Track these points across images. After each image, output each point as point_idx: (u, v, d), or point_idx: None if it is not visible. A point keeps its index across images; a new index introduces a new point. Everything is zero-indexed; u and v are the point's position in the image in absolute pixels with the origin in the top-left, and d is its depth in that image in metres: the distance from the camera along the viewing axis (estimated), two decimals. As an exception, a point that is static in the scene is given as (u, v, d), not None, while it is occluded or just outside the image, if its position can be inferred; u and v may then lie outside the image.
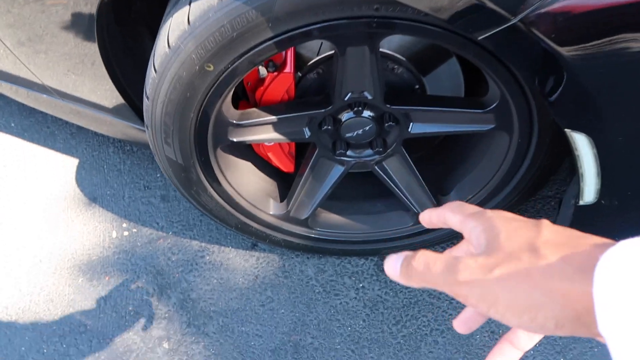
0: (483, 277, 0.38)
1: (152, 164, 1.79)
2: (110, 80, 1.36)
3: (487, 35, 0.78)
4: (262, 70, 1.07)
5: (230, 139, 1.15)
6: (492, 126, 1.11)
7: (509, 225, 0.40)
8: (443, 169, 1.37)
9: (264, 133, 1.16)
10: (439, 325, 1.44)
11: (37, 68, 1.48)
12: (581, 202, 1.00)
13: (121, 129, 1.54)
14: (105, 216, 1.70)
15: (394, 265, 0.44)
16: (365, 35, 0.93)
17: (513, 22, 0.74)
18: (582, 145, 0.87)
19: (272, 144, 1.28)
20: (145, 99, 1.07)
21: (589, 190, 0.96)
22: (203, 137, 1.11)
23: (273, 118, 1.13)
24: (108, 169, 1.79)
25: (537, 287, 0.36)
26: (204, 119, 1.06)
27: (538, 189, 1.26)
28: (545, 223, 0.40)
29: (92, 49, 1.31)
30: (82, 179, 1.79)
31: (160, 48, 0.97)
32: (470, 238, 0.42)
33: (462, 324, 0.49)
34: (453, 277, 0.39)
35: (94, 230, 1.67)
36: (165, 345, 1.47)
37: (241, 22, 0.88)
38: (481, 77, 1.26)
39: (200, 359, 1.45)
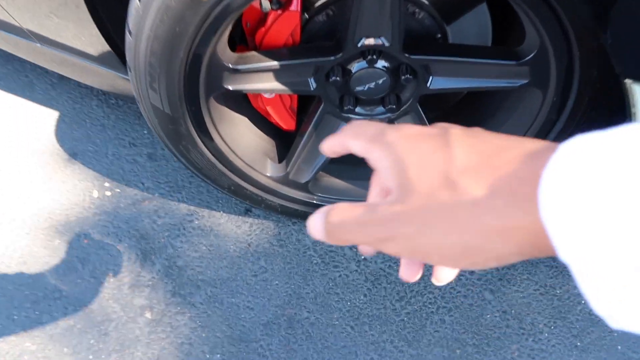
0: (400, 233, 0.33)
1: (139, 119, 1.64)
2: (94, 29, 1.22)
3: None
4: (265, 4, 0.92)
5: (226, 86, 1.00)
6: (526, 81, 0.97)
7: (416, 153, 0.34)
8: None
9: (263, 82, 1.02)
10: (446, 303, 1.34)
11: (15, 9, 1.32)
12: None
13: (107, 79, 1.39)
14: (86, 174, 1.56)
15: (315, 223, 0.37)
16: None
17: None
18: (642, 101, 0.74)
19: (272, 96, 1.14)
20: (127, 35, 0.92)
21: None
22: (194, 83, 0.97)
23: (275, 64, 0.99)
24: (91, 124, 1.64)
25: (467, 230, 0.31)
26: (195, 61, 0.92)
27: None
28: (454, 136, 0.34)
29: None
30: (62, 133, 1.64)
31: (145, -30, 0.82)
32: (379, 173, 0.36)
33: (405, 270, 0.42)
34: (360, 237, 0.35)
35: (73, 189, 1.53)
36: (148, 315, 1.36)
37: (243, -63, 0.73)
38: (511, 31, 1.12)
39: (186, 330, 1.34)
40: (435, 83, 1.04)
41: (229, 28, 0.91)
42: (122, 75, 1.34)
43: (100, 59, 1.33)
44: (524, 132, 1.09)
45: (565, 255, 0.27)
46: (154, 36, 0.87)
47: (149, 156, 1.57)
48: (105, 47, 1.29)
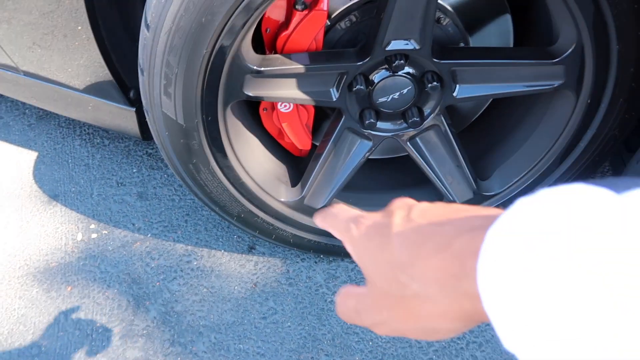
0: (379, 321, 0.39)
1: (127, 158, 1.53)
2: (85, 54, 1.15)
3: None
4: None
5: (246, 92, 0.93)
6: (560, 82, 0.94)
7: (369, 251, 0.39)
8: (482, 147, 1.19)
9: (285, 88, 0.95)
10: (475, 337, 1.22)
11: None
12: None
13: (95, 110, 1.30)
14: (68, 216, 1.41)
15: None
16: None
17: None
18: None
19: (290, 110, 1.07)
20: (143, 30, 0.85)
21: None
22: (214, 88, 0.89)
23: (299, 67, 0.93)
24: (73, 164, 1.52)
25: (418, 317, 0.36)
26: (218, 60, 0.85)
27: (596, 169, 1.09)
28: (395, 229, 0.37)
29: (62, 19, 1.10)
30: (41, 174, 1.50)
31: (172, -46, 0.76)
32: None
33: None
34: (359, 320, 0.41)
35: (54, 233, 1.38)
36: (144, 368, 1.18)
37: None
38: (530, 34, 1.11)
39: (188, 385, 1.16)
40: (462, 91, 1.00)
41: (255, 24, 0.85)
42: (114, 104, 1.25)
43: (88, 89, 1.25)
44: (554, 141, 1.05)
45: (492, 317, 0.29)
46: (175, 28, 0.80)
47: (139, 195, 1.45)
48: (94, 77, 1.21)
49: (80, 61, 1.22)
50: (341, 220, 0.43)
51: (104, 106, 1.28)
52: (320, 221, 0.47)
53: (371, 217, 0.41)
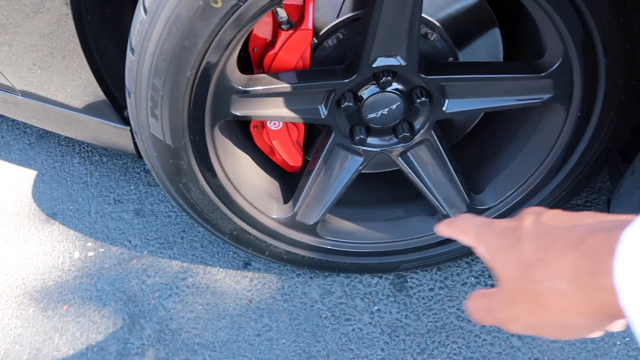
0: (511, 316, 0.41)
1: (125, 175, 1.54)
2: (83, 75, 1.16)
3: None
4: (282, 13, 0.88)
5: (233, 112, 0.93)
6: (549, 96, 0.94)
7: (501, 251, 0.42)
8: (475, 161, 1.18)
9: (273, 107, 0.95)
10: (472, 353, 1.21)
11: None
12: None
13: (92, 129, 1.31)
14: (66, 234, 1.42)
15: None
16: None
17: None
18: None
19: (279, 127, 1.07)
20: (129, 54, 0.85)
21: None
22: (200, 108, 0.89)
23: (286, 86, 0.93)
24: (72, 182, 1.53)
25: (549, 311, 0.38)
26: (203, 81, 0.85)
27: (590, 181, 1.08)
28: (526, 231, 0.40)
29: (61, 41, 1.11)
30: (40, 192, 1.52)
31: (154, -21, 0.76)
32: (487, 265, 0.45)
33: None
34: (492, 319, 0.43)
35: (51, 251, 1.39)
36: (138, 387, 1.18)
37: None
38: (521, 47, 1.11)
39: (182, 404, 1.16)
40: (452, 106, 1.00)
41: (240, 45, 0.86)
42: (110, 123, 1.26)
43: (86, 109, 1.26)
44: (546, 154, 1.04)
45: (630, 313, 0.31)
46: (159, 51, 0.80)
47: (136, 212, 1.46)
48: (92, 96, 1.22)
49: (79, 81, 1.24)
50: (472, 225, 0.47)
51: (101, 125, 1.29)
52: (446, 229, 0.50)
53: (502, 222, 0.44)
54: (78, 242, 1.41)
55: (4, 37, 1.23)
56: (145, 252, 1.38)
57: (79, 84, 1.24)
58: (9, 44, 1.24)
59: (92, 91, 1.22)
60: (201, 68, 0.83)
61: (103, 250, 1.39)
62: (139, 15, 0.80)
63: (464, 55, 1.05)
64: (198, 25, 0.77)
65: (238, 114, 0.93)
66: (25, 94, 1.31)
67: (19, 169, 1.57)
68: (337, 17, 0.98)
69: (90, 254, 1.38)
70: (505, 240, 0.42)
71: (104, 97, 1.19)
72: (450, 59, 1.03)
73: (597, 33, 0.82)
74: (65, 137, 1.63)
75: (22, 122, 1.66)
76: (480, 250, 0.45)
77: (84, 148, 1.61)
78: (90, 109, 1.27)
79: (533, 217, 0.41)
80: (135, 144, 1.27)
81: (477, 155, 1.19)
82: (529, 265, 0.39)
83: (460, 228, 0.48)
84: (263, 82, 0.92)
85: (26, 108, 1.36)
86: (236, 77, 0.90)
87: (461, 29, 1.01)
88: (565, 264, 0.36)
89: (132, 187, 1.51)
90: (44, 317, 1.28)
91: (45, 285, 1.33)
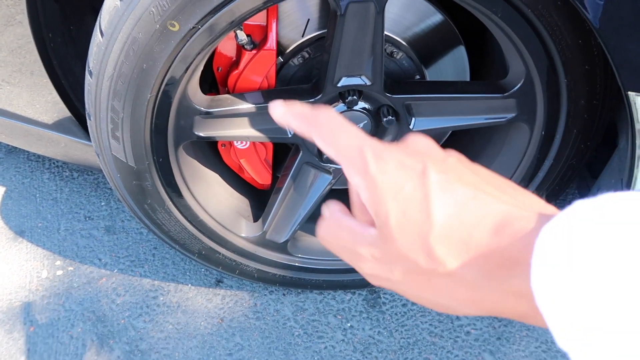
0: (387, 278, 0.34)
1: (95, 191, 1.52)
2: (53, 92, 1.14)
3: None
4: (241, 35, 0.87)
5: (197, 133, 0.92)
6: (513, 115, 0.94)
7: (398, 199, 0.32)
8: (445, 178, 1.18)
9: (238, 128, 0.94)
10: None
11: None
12: (630, 198, 0.83)
13: (61, 146, 1.29)
14: (34, 253, 1.39)
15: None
16: (372, -14, 0.75)
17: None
18: (647, 114, 0.70)
19: (246, 146, 1.06)
20: (87, 77, 0.84)
21: (644, 178, 0.79)
22: (162, 130, 0.88)
23: (250, 107, 0.92)
24: (41, 198, 1.50)
25: (440, 294, 0.32)
26: (164, 103, 0.84)
27: (558, 196, 1.08)
28: (434, 187, 0.31)
29: (30, 56, 1.09)
30: (8, 210, 1.49)
31: (109, 2, 0.75)
32: (359, 197, 0.35)
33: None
34: (360, 270, 0.36)
35: (18, 270, 1.36)
36: (106, 410, 1.16)
37: (218, -40, 0.68)
38: (488, 67, 1.11)
39: None
40: (418, 124, 1.00)
41: (201, 67, 0.85)
42: (78, 140, 1.24)
43: (55, 126, 1.24)
44: (513, 171, 1.04)
45: (548, 316, 0.27)
46: (117, 74, 0.79)
47: (106, 229, 1.44)
48: (61, 113, 1.21)
49: (48, 98, 1.22)
50: (350, 146, 0.35)
51: (71, 143, 1.27)
52: (304, 118, 0.37)
53: (392, 151, 0.33)
54: (46, 260, 1.38)
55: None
56: (116, 270, 1.36)
57: (47, 100, 1.22)
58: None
59: (63, 108, 1.20)
60: (161, 90, 0.82)
61: (72, 268, 1.36)
62: (96, 37, 0.79)
63: (431, 74, 1.05)
64: (156, 48, 0.76)
65: (202, 134, 0.92)
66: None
67: (-14, 186, 1.54)
68: (302, 36, 0.97)
69: (59, 272, 1.36)
70: (403, 186, 0.32)
71: (70, 115, 1.17)
72: (417, 77, 1.03)
73: (558, 55, 0.82)
74: (35, 153, 1.60)
75: (-9, 136, 1.63)
76: (356, 180, 0.34)
77: (54, 164, 1.59)
78: (59, 126, 1.25)
79: (438, 158, 0.33)
80: (103, 161, 1.25)
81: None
82: (433, 240, 0.30)
83: (330, 141, 0.36)
84: (227, 103, 0.91)
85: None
86: (198, 98, 0.89)
87: (427, 47, 1.01)
88: (483, 252, 0.29)
89: (103, 204, 1.49)
90: (9, 339, 1.25)
91: (12, 305, 1.30)
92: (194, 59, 0.79)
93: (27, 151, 1.61)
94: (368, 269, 0.35)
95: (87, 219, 1.46)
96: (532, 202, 0.31)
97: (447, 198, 0.30)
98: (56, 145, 1.30)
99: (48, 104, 1.22)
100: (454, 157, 0.33)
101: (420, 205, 0.31)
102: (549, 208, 0.31)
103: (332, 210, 0.37)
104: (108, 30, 0.76)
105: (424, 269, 0.31)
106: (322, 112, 0.36)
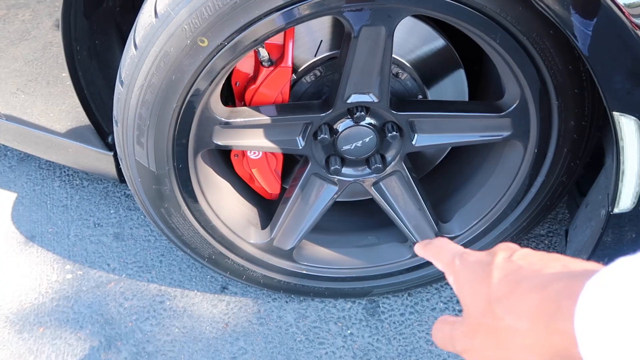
0: (473, 348, 0.42)
1: (105, 199, 1.57)
2: (67, 101, 1.20)
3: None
4: (263, 53, 0.94)
5: (216, 142, 0.99)
6: (508, 133, 1.02)
7: (469, 282, 0.43)
8: (443, 192, 1.25)
9: (254, 138, 1.01)
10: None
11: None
12: (616, 210, 0.90)
13: (75, 154, 1.35)
14: (44, 257, 1.44)
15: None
16: (385, 12, 0.83)
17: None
18: (630, 133, 0.78)
19: (259, 157, 1.12)
20: (118, 86, 0.90)
21: (628, 193, 0.86)
22: (184, 137, 0.94)
23: (266, 119, 0.99)
24: (52, 205, 1.55)
25: (507, 348, 0.39)
26: (188, 113, 0.91)
27: (549, 212, 1.16)
28: (496, 267, 0.42)
29: (46, 67, 1.15)
30: (19, 215, 1.53)
31: (145, 18, 0.83)
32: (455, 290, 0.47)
33: None
34: (452, 347, 0.45)
35: (29, 273, 1.40)
36: (113, 409, 1.19)
37: (248, -16, 0.76)
38: (486, 88, 1.19)
39: None
40: (421, 140, 1.07)
41: (223, 81, 0.92)
42: (93, 148, 1.30)
43: (68, 134, 1.30)
44: (507, 187, 1.11)
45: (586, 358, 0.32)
46: (147, 85, 0.86)
47: (115, 236, 1.48)
48: (75, 122, 1.26)
49: (62, 107, 1.28)
50: (446, 253, 0.49)
51: (83, 150, 1.32)
52: (421, 250, 0.52)
53: (475, 254, 0.46)
54: (56, 264, 1.42)
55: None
56: (124, 275, 1.40)
57: (62, 109, 1.28)
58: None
59: (77, 117, 1.26)
60: (186, 100, 0.89)
61: (81, 273, 1.41)
62: (130, 50, 0.85)
63: (432, 93, 1.13)
64: (185, 61, 0.83)
65: (220, 143, 0.99)
66: (8, 117, 1.34)
67: (-2, 192, 1.58)
68: (315, 56, 1.05)
69: (68, 276, 1.40)
70: (475, 274, 0.43)
71: (89, 123, 1.23)
72: (420, 96, 1.11)
73: (550, 79, 0.90)
74: (46, 161, 1.66)
75: (2, 145, 1.69)
76: (450, 278, 0.47)
77: (64, 172, 1.64)
78: (73, 134, 1.30)
79: (505, 255, 0.43)
80: (117, 169, 1.31)
81: (444, 186, 1.26)
82: (493, 301, 0.40)
83: (435, 252, 0.50)
84: (244, 115, 0.98)
85: (7, 131, 1.39)
86: (219, 109, 0.96)
87: (429, 69, 1.09)
88: (528, 305, 0.37)
89: (112, 211, 1.54)
90: (19, 339, 1.29)
91: (22, 307, 1.34)
92: (219, 73, 0.86)
93: (39, 159, 1.67)
94: (460, 346, 0.44)
95: (97, 225, 1.51)
96: (577, 263, 0.39)
97: (503, 268, 0.41)
98: (66, 152, 1.36)
99: (62, 113, 1.28)
100: (522, 251, 0.43)
101: (484, 281, 0.42)
102: (595, 266, 0.37)
103: (440, 318, 0.48)
104: (142, 44, 0.83)
105: (491, 327, 0.40)
106: (436, 239, 0.52)
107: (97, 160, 1.33)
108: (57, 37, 1.00)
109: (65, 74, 1.16)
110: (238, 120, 0.97)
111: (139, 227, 1.50)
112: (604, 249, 1.00)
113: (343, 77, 0.95)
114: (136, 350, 1.27)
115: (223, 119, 0.96)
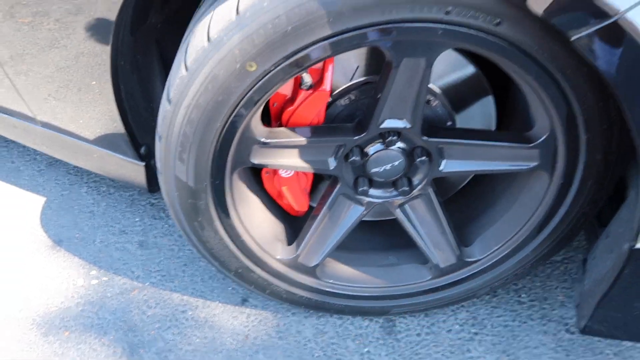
0: None
1: (130, 207, 1.60)
2: (97, 108, 1.24)
3: (583, 34, 0.73)
4: (307, 78, 0.98)
5: (252, 160, 1.02)
6: (536, 164, 1.05)
7: None
8: (466, 216, 1.28)
9: (289, 157, 1.04)
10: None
11: (18, 93, 1.34)
12: (638, 245, 0.93)
13: (103, 160, 1.38)
14: (70, 262, 1.47)
15: None
16: (427, 44, 0.87)
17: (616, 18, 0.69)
18: (658, 171, 0.81)
19: (290, 175, 1.16)
20: (165, 104, 0.94)
21: (653, 228, 0.89)
22: (224, 155, 0.98)
23: (301, 140, 1.02)
24: (79, 210, 1.59)
25: None
26: (230, 132, 0.94)
27: (570, 241, 1.18)
28: None
29: (78, 75, 1.19)
30: (47, 219, 1.57)
31: (197, 42, 0.87)
32: None
33: None
34: None
35: (56, 277, 1.44)
36: (135, 416, 1.22)
37: (299, 15, 0.80)
38: (513, 119, 1.22)
39: None
40: (448, 166, 1.10)
41: (264, 102, 0.96)
42: (123, 157, 1.33)
43: (97, 140, 1.33)
44: (530, 215, 1.14)
45: None
46: (194, 104, 0.89)
47: (140, 244, 1.52)
48: (104, 129, 1.29)
49: (92, 114, 1.31)
50: None
51: (114, 158, 1.36)
52: None
53: None
54: (82, 269, 1.46)
55: (21, 67, 1.30)
56: (147, 284, 1.43)
57: (92, 117, 1.31)
58: (25, 73, 1.31)
59: (112, 126, 1.29)
60: (230, 120, 0.92)
61: (106, 279, 1.44)
62: (180, 71, 0.89)
63: (460, 119, 1.16)
64: (232, 84, 0.87)
65: (256, 162, 1.02)
66: (40, 122, 1.38)
67: (27, 195, 1.62)
68: (350, 80, 1.08)
69: (94, 282, 1.43)
70: None
71: (124, 132, 1.27)
72: (449, 123, 1.15)
73: (580, 113, 0.94)
74: (75, 167, 1.70)
75: (32, 149, 1.73)
76: None
77: (92, 178, 1.68)
78: (105, 142, 1.34)
79: None
80: (148, 179, 1.35)
81: (467, 210, 1.29)
82: None
83: None
84: (282, 135, 1.01)
85: (39, 136, 1.43)
86: (259, 130, 0.99)
87: (459, 95, 1.13)
88: None
89: (137, 219, 1.57)
90: (45, 342, 1.32)
91: (48, 310, 1.37)
92: (263, 96, 0.90)
93: (67, 165, 1.71)
94: None
95: (122, 233, 1.54)
96: None
97: None
98: (94, 158, 1.39)
99: (92, 120, 1.31)
100: None
101: None
102: None
103: None
104: (193, 66, 0.87)
105: None
106: None
107: (127, 169, 1.37)
108: (106, 51, 1.04)
109: (95, 82, 1.18)
110: (275, 140, 1.00)
111: (163, 235, 1.54)
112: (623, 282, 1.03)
113: (379, 103, 0.99)
114: (158, 359, 1.29)
115: (262, 139, 0.99)
